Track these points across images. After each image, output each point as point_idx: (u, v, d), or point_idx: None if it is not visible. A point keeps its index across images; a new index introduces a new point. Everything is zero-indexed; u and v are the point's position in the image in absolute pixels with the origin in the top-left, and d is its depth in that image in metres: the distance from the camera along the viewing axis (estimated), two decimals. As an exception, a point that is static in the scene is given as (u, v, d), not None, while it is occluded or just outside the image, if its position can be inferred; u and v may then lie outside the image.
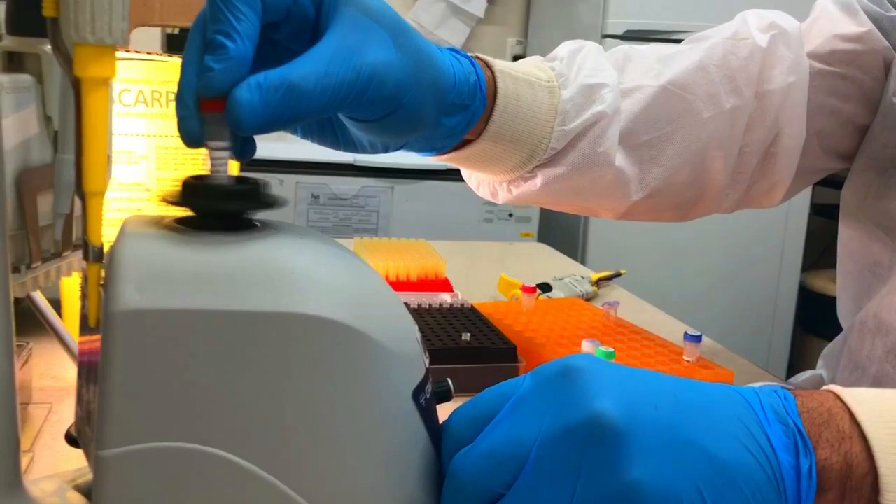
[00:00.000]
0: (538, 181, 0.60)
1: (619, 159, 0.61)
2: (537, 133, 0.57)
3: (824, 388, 0.37)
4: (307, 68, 0.40)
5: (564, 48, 0.62)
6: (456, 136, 0.54)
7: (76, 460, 0.37)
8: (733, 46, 0.64)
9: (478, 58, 0.55)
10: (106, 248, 0.33)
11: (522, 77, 0.57)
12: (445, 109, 0.51)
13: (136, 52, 0.62)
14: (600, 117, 0.59)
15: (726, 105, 0.63)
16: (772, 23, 0.65)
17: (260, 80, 0.37)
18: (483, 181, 0.66)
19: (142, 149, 0.63)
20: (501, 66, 0.56)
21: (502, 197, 0.65)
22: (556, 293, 0.90)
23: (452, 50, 0.53)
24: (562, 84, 0.59)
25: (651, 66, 0.63)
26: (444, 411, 0.37)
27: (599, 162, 0.59)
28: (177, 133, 0.36)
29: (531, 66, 0.59)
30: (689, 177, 0.64)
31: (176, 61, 0.63)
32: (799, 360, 2.38)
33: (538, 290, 0.82)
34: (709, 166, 0.64)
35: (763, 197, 0.69)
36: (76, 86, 0.31)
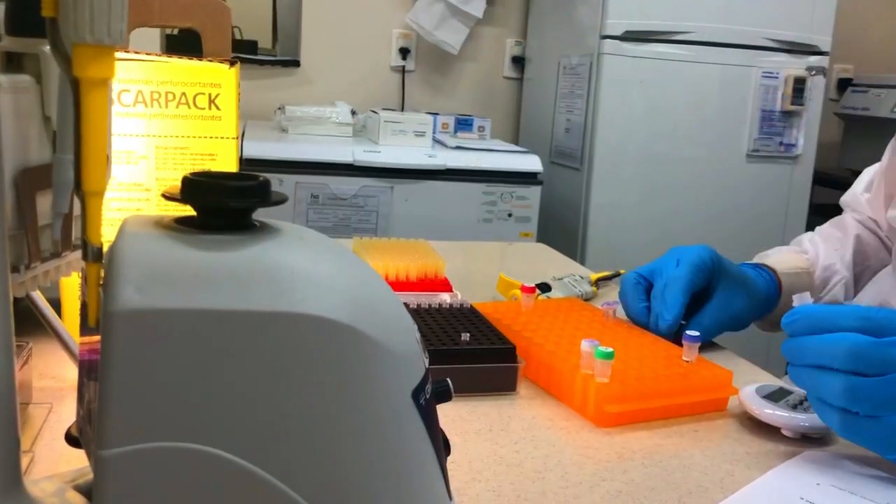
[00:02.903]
0: None
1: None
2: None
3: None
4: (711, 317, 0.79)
5: (805, 239, 0.97)
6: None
7: (76, 460, 0.37)
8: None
9: (763, 264, 0.90)
10: (105, 248, 0.33)
11: (793, 272, 0.91)
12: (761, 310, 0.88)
13: (136, 52, 0.62)
14: (836, 284, 0.93)
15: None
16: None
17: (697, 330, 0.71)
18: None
19: (141, 149, 0.63)
20: (781, 268, 0.90)
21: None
22: (555, 293, 0.90)
23: (752, 266, 0.90)
24: (813, 268, 0.93)
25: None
26: (443, 411, 0.37)
27: None
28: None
29: (795, 260, 0.93)
30: None
31: (174, 62, 0.63)
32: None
33: (537, 291, 0.82)
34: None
35: None
36: (75, 86, 0.31)
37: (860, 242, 0.96)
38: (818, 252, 0.94)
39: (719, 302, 0.79)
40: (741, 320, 0.83)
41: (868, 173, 1.01)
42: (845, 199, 1.03)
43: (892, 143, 0.93)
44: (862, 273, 0.95)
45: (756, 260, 0.93)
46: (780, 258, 0.92)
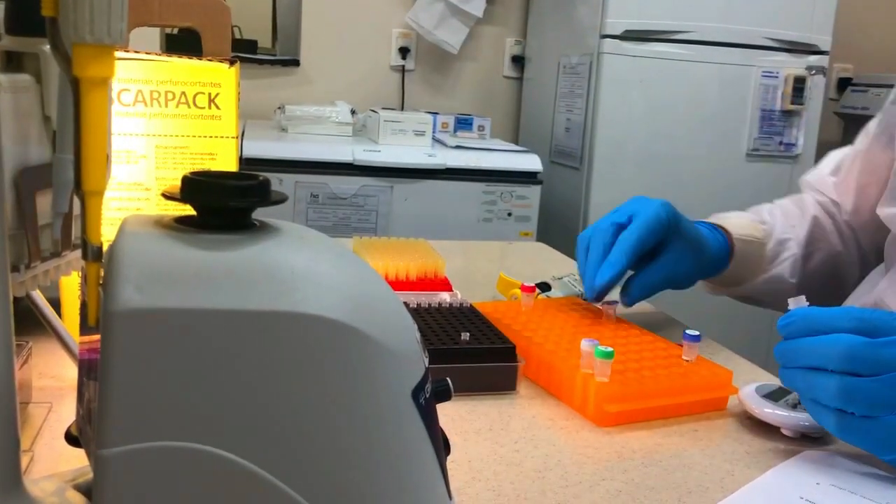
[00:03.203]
0: (734, 292, 0.96)
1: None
2: (751, 272, 0.92)
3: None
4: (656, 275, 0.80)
5: (765, 210, 0.97)
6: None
7: (76, 460, 0.37)
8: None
9: (719, 225, 0.90)
10: (105, 248, 0.33)
11: (747, 239, 0.90)
12: (709, 271, 0.89)
13: (135, 52, 0.62)
14: (785, 260, 0.93)
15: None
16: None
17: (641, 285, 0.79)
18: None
19: (141, 148, 0.63)
20: (736, 233, 0.89)
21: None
22: (555, 293, 0.90)
23: (709, 226, 0.89)
24: (767, 239, 0.93)
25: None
26: (443, 410, 0.37)
27: (779, 287, 0.93)
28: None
29: (750, 227, 0.92)
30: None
31: (174, 61, 0.63)
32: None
33: (537, 290, 0.82)
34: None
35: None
36: (75, 85, 0.31)
37: (816, 224, 0.96)
38: (775, 224, 0.94)
39: (667, 261, 0.80)
40: (686, 280, 0.84)
41: (836, 156, 1.00)
42: (808, 179, 1.03)
43: (868, 130, 0.93)
44: (811, 255, 0.94)
45: (713, 220, 0.92)
46: (738, 223, 0.91)
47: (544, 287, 0.89)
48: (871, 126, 0.93)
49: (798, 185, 1.07)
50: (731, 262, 0.89)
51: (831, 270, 0.97)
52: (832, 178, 0.99)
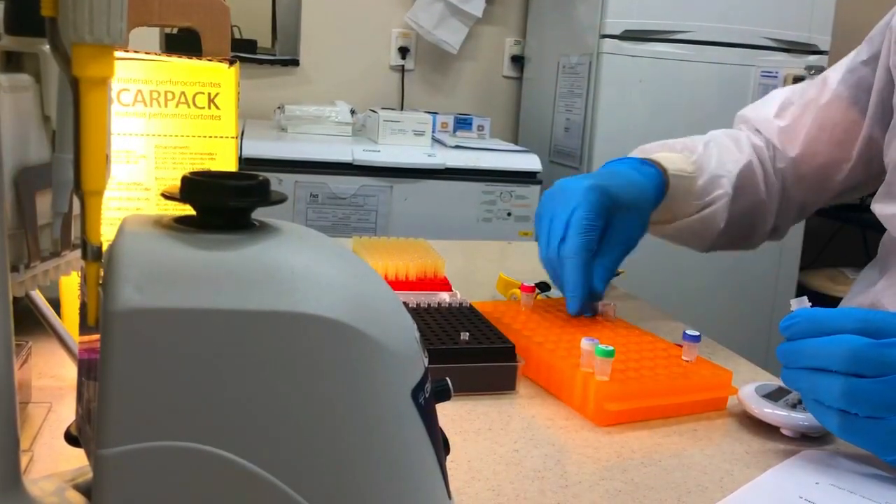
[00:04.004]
0: (666, 230, 0.94)
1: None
2: (681, 209, 0.90)
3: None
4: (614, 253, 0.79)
5: (700, 141, 0.94)
6: None
7: (76, 459, 0.37)
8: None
9: (653, 160, 0.87)
10: (104, 248, 0.33)
11: (679, 174, 0.87)
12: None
13: (135, 52, 0.62)
14: (719, 198, 0.91)
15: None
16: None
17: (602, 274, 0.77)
18: None
19: (141, 148, 0.63)
20: (669, 167, 0.87)
21: None
22: (554, 292, 0.90)
23: (638, 163, 0.86)
24: (698, 174, 0.90)
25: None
26: (442, 410, 0.37)
27: (710, 228, 0.93)
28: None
29: (683, 162, 0.89)
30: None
31: (174, 61, 0.63)
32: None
33: (537, 290, 0.82)
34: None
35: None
36: (74, 85, 0.31)
37: (748, 168, 0.93)
38: (710, 159, 0.91)
39: (617, 240, 0.79)
40: (637, 240, 0.82)
41: (779, 96, 0.97)
42: (748, 115, 1.00)
43: (826, 81, 0.90)
44: (737, 199, 0.92)
45: (640, 154, 0.90)
46: (669, 157, 0.88)
47: (544, 287, 0.89)
48: (832, 78, 0.90)
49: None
50: (666, 196, 0.87)
51: (748, 219, 0.95)
52: (778, 122, 0.95)
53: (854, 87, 0.87)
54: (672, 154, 0.90)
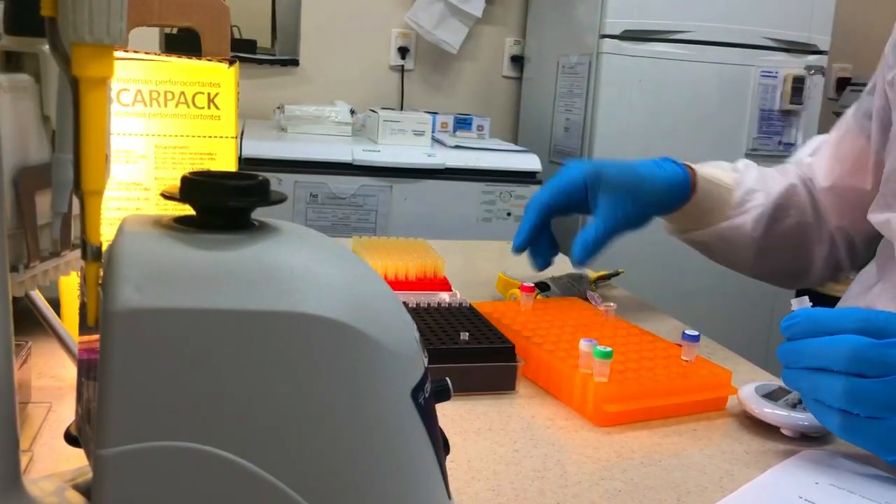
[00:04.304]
0: (693, 237, 0.97)
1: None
2: (715, 217, 0.93)
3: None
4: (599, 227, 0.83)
5: (742, 162, 0.98)
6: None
7: (76, 459, 0.37)
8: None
9: (687, 165, 0.91)
10: (104, 248, 0.33)
11: (714, 182, 0.91)
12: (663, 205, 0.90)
13: (135, 51, 0.62)
14: (753, 208, 0.93)
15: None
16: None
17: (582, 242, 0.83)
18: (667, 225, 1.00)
19: (140, 148, 0.63)
20: (702, 172, 0.90)
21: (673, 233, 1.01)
22: (554, 292, 0.90)
23: (669, 162, 0.90)
24: (735, 186, 0.94)
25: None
26: (442, 410, 0.37)
27: (740, 237, 0.94)
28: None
29: (722, 173, 0.93)
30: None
31: (173, 61, 0.63)
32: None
33: (536, 290, 0.82)
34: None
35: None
36: (74, 85, 0.31)
37: (793, 189, 0.96)
38: (747, 175, 0.95)
39: (600, 214, 0.84)
40: (635, 220, 0.86)
41: (816, 141, 1.02)
42: (790, 160, 1.05)
43: (844, 119, 0.94)
44: (783, 218, 0.94)
45: (686, 161, 0.93)
46: (709, 168, 0.93)
47: (543, 287, 0.90)
48: (848, 114, 0.93)
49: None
50: (693, 198, 0.90)
51: (799, 240, 0.96)
52: (808, 160, 1.00)
53: (861, 117, 0.90)
54: (716, 169, 0.94)
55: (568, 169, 0.86)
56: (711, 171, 0.92)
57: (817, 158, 0.97)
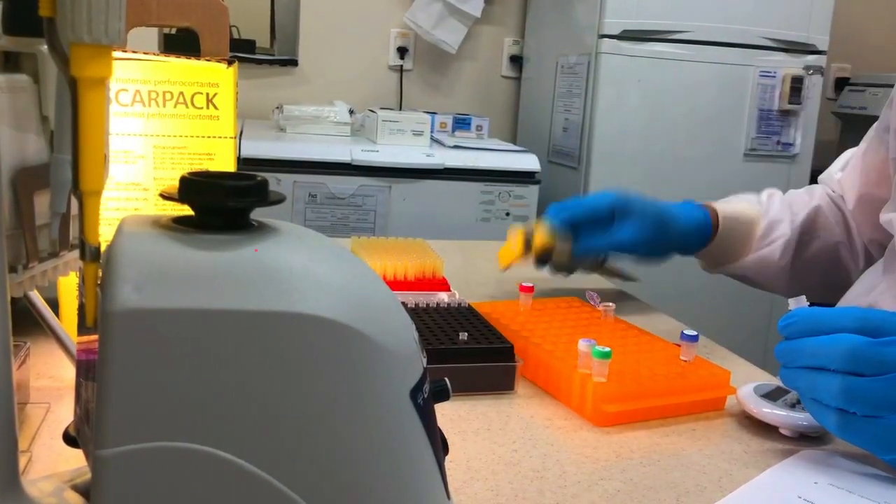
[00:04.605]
0: (727, 270, 0.98)
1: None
2: (738, 253, 0.96)
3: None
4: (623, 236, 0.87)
5: (767, 192, 1.01)
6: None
7: (74, 460, 0.37)
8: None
9: (709, 206, 0.95)
10: (103, 248, 0.33)
11: (736, 217, 0.95)
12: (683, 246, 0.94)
13: (133, 52, 0.62)
14: (776, 239, 0.95)
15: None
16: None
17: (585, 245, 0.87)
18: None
19: (139, 148, 0.63)
20: (724, 211, 0.94)
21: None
22: (555, 263, 0.89)
23: (693, 206, 0.94)
24: (759, 219, 0.96)
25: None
26: (441, 410, 0.37)
27: (768, 267, 0.96)
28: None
29: (747, 207, 0.97)
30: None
31: (172, 61, 0.63)
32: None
33: (538, 262, 0.86)
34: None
35: None
36: (73, 86, 0.31)
37: (819, 212, 0.98)
38: (771, 206, 0.97)
39: (613, 230, 0.87)
40: (643, 249, 0.89)
41: (846, 155, 1.03)
42: (822, 177, 1.06)
43: (871, 130, 0.95)
44: (809, 242, 0.96)
45: (713, 203, 0.96)
46: (730, 204, 0.96)
47: (546, 260, 0.88)
48: (872, 128, 0.95)
49: (794, 185, 1.08)
50: (715, 239, 0.93)
51: (831, 260, 0.97)
52: (839, 174, 1.01)
53: (882, 131, 0.91)
54: (738, 202, 0.97)
55: (598, 193, 0.90)
56: (735, 207, 0.95)
57: (847, 173, 0.99)
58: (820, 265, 0.97)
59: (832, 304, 0.97)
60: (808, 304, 0.57)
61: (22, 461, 0.39)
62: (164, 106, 0.62)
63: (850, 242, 0.98)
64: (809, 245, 0.96)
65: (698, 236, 0.93)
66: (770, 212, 0.96)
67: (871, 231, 0.96)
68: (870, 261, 0.98)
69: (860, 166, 0.95)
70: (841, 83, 2.95)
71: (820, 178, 1.06)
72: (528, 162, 2.14)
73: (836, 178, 1.01)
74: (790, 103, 2.31)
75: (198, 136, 0.64)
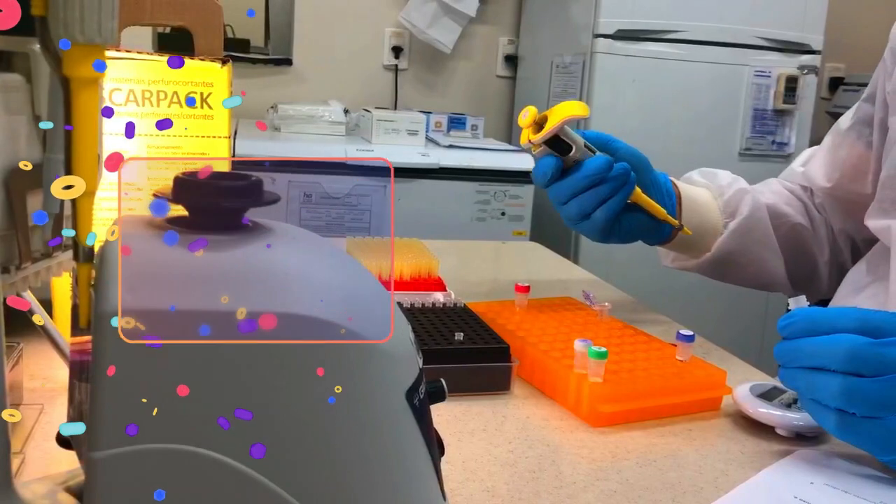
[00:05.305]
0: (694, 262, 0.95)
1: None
2: (712, 231, 0.91)
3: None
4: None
5: (726, 178, 0.96)
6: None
7: (68, 462, 0.37)
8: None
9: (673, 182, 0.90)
10: (96, 249, 0.33)
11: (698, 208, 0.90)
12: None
13: (127, 51, 0.62)
14: (748, 203, 0.92)
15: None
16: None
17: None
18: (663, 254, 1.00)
19: (133, 148, 0.62)
20: (685, 193, 0.90)
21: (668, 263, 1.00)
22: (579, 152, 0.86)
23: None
24: (717, 194, 0.93)
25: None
26: (437, 411, 0.37)
27: (755, 232, 0.93)
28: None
29: (707, 196, 0.93)
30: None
31: (166, 60, 0.62)
32: (791, 358, 2.38)
33: (556, 153, 0.84)
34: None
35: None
36: (66, 85, 0.31)
37: (779, 195, 0.96)
38: (729, 183, 0.94)
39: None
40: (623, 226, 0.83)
41: (806, 153, 1.02)
42: (782, 175, 1.05)
43: (838, 127, 0.94)
44: (777, 227, 0.94)
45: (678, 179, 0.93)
46: (695, 193, 0.92)
47: (566, 149, 0.87)
48: (842, 122, 0.94)
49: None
50: (681, 217, 0.88)
51: (798, 245, 0.96)
52: (800, 169, 1.00)
53: (859, 123, 0.90)
54: (700, 192, 0.93)
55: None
56: (697, 196, 0.91)
57: (812, 165, 0.98)
58: (789, 249, 0.95)
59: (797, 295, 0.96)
60: (809, 303, 0.57)
61: (15, 463, 0.39)
62: (158, 105, 0.62)
63: (815, 230, 0.97)
64: (778, 230, 0.93)
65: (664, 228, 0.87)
66: (732, 186, 0.93)
67: (842, 222, 0.96)
68: (836, 254, 0.97)
69: (832, 160, 0.94)
70: (835, 83, 2.96)
71: (780, 176, 1.05)
72: (524, 161, 2.14)
73: (799, 172, 1.00)
74: (785, 103, 2.32)
75: (192, 136, 0.64)
